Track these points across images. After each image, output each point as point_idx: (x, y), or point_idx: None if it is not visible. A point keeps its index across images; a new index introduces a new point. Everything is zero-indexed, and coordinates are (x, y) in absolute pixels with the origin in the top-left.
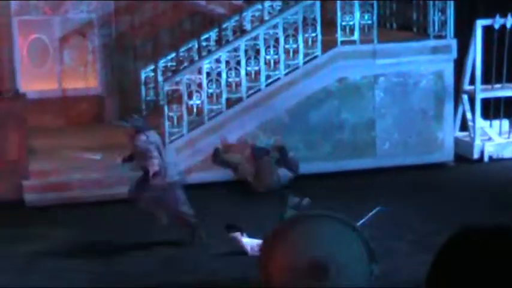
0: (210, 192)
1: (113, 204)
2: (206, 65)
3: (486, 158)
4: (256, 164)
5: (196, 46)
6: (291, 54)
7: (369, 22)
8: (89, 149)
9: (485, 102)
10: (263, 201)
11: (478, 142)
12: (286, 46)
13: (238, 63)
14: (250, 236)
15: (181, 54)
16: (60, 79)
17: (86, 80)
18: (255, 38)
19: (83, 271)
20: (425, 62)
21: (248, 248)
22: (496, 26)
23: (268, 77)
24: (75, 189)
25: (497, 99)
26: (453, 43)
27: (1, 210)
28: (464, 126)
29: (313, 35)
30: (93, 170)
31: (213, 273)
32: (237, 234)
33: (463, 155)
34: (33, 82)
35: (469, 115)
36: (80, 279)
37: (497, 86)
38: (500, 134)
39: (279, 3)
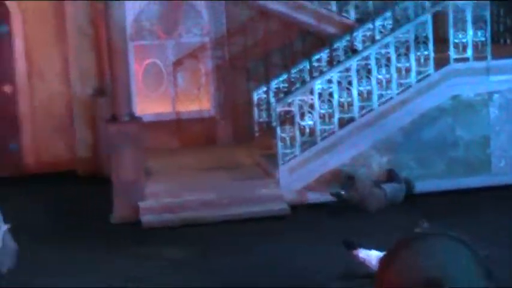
0: (322, 213)
1: (227, 224)
2: (318, 85)
3: None
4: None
5: (308, 67)
6: (403, 72)
7: (482, 39)
8: (201, 169)
9: None
10: (377, 219)
11: None
12: (398, 65)
13: (350, 83)
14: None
15: (292, 75)
16: (174, 102)
17: (199, 103)
18: (367, 58)
19: None
20: None
21: (373, 262)
22: None
23: (380, 96)
24: (190, 210)
25: None
26: None
27: (118, 231)
28: None
29: (426, 53)
30: (208, 191)
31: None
32: (358, 251)
33: None
34: (149, 105)
35: None
36: None
37: None
38: None
39: (390, 22)
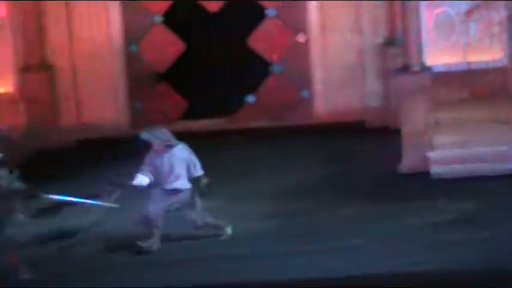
0: None
1: None
2: None
3: None
4: None
5: None
6: None
7: None
8: (492, 120)
9: None
10: None
11: None
12: None
13: None
14: None
15: None
16: (465, 52)
17: (491, 52)
18: None
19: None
20: None
21: None
22: None
23: None
24: (481, 161)
25: None
26: None
27: (408, 181)
28: None
29: None
30: (500, 143)
31: None
32: None
33: None
34: (439, 55)
35: None
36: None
37: None
38: None
39: None
